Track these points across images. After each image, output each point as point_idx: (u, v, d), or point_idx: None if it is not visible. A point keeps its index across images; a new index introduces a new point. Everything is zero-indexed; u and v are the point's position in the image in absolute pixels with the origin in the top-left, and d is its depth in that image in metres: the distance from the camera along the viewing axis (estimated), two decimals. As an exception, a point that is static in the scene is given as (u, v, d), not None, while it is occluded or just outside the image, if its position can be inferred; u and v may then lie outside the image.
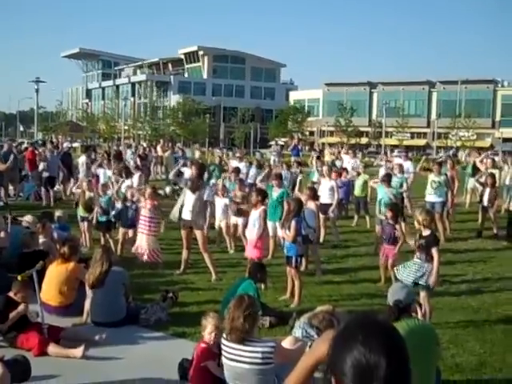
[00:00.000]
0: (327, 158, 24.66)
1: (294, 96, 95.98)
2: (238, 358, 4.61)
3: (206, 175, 10.93)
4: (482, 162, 18.58)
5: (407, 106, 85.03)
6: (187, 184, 10.16)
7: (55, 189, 19.09)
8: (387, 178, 12.61)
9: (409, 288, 5.10)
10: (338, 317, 5.42)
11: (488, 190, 14.05)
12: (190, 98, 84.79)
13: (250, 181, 16.35)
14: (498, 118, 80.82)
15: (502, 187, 16.88)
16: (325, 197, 12.81)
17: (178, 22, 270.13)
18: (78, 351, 6.10)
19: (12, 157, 17.65)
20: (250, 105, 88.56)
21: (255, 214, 9.44)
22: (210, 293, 8.66)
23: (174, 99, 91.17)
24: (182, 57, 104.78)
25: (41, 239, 9.31)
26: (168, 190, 20.73)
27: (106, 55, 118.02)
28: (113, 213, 11.49)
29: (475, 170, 18.19)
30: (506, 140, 73.03)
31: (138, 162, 20.38)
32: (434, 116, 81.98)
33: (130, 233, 11.11)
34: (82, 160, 19.81)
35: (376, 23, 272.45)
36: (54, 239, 9.73)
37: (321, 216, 11.61)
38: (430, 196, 13.65)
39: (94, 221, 11.61)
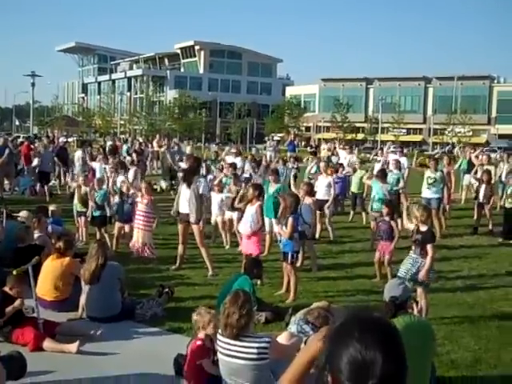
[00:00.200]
0: (323, 153, 24.59)
1: (290, 91, 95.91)
2: (233, 354, 4.60)
3: (204, 170, 10.94)
4: (477, 157, 18.65)
5: (403, 101, 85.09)
6: (182, 177, 10.13)
7: (50, 184, 19.06)
8: (381, 174, 12.57)
9: (405, 284, 5.09)
10: (334, 313, 5.41)
11: (484, 186, 14.10)
12: (186, 93, 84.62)
13: (245, 175, 16.33)
14: (493, 114, 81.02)
15: (498, 184, 16.94)
16: (321, 193, 12.82)
17: (175, 16, 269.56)
18: (73, 346, 6.09)
19: (7, 151, 17.60)
20: (246, 100, 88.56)
21: (251, 210, 9.42)
22: (205, 288, 8.66)
23: (170, 94, 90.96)
24: (179, 51, 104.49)
25: (36, 234, 9.27)
26: (164, 184, 20.76)
27: (102, 49, 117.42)
28: (114, 208, 11.42)
29: (470, 166, 18.25)
30: (501, 136, 73.25)
31: (135, 157, 20.33)
32: (430, 112, 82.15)
33: (126, 227, 11.07)
34: (78, 155, 19.80)
35: (373, 19, 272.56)
36: (49, 233, 9.71)
37: (317, 212, 11.60)
38: (426, 192, 13.64)
39: (89, 216, 11.56)
